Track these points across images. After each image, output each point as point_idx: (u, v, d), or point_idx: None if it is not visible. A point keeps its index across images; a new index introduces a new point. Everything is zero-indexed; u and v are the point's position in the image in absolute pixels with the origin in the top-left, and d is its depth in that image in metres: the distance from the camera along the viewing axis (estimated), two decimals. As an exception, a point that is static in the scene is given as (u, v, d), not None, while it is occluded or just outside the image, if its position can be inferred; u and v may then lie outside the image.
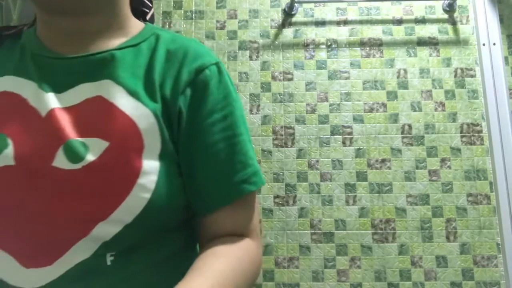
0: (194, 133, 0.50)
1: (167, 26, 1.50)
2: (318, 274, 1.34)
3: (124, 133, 0.45)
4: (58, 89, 0.48)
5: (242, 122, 0.53)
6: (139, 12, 0.62)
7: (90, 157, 0.43)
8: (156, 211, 0.46)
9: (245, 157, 0.51)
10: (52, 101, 0.47)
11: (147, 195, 0.45)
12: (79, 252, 0.44)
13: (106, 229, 0.44)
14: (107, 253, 0.45)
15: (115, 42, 0.53)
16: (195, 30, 1.50)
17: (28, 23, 0.59)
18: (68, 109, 0.47)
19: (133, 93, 0.48)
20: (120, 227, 0.44)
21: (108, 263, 0.45)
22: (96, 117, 0.46)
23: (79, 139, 0.44)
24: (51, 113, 0.46)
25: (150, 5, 0.64)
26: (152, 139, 0.47)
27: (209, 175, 0.50)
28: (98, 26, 0.52)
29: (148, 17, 0.63)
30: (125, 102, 0.47)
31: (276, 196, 1.39)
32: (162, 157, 0.47)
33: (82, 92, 0.48)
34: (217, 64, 0.53)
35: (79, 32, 0.52)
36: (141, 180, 0.44)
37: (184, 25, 1.51)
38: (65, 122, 0.45)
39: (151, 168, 0.45)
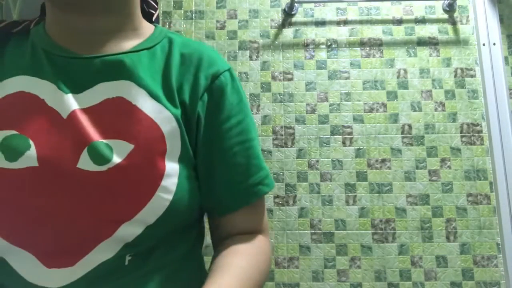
0: (211, 137, 0.52)
1: (167, 26, 1.50)
2: (318, 274, 1.34)
3: (149, 136, 0.46)
4: (76, 90, 0.48)
5: (254, 128, 0.56)
6: (146, 13, 0.63)
7: (116, 159, 0.44)
8: (176, 213, 0.47)
9: (258, 160, 0.55)
10: (72, 101, 0.47)
11: (170, 197, 0.46)
12: (102, 253, 0.44)
13: (130, 230, 0.44)
14: (127, 254, 0.45)
15: (129, 43, 0.53)
16: (195, 30, 1.50)
17: (33, 18, 0.57)
18: (88, 110, 0.47)
19: (155, 96, 0.49)
20: (143, 228, 0.45)
21: (126, 263, 0.45)
22: (119, 118, 0.46)
23: (104, 140, 0.45)
24: (72, 114, 0.46)
25: (156, 6, 0.64)
26: (174, 143, 0.48)
27: (226, 178, 0.52)
28: (112, 26, 0.52)
29: (154, 18, 0.63)
30: (147, 105, 0.48)
31: (276, 196, 1.39)
32: (181, 160, 0.48)
33: (101, 92, 0.48)
34: (229, 70, 0.55)
35: (92, 32, 0.52)
36: (164, 182, 0.45)
37: (184, 25, 1.51)
38: (88, 123, 0.46)
39: (172, 170, 0.47)
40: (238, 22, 1.51)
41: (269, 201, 1.38)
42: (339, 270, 1.34)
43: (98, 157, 0.43)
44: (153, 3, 0.64)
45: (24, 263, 0.44)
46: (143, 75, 0.49)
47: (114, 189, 0.43)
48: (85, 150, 0.44)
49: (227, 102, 0.53)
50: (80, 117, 0.46)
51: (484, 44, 1.45)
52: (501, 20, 1.48)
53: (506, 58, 1.45)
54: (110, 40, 0.52)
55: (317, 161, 1.41)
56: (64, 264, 0.43)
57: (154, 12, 0.63)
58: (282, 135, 1.43)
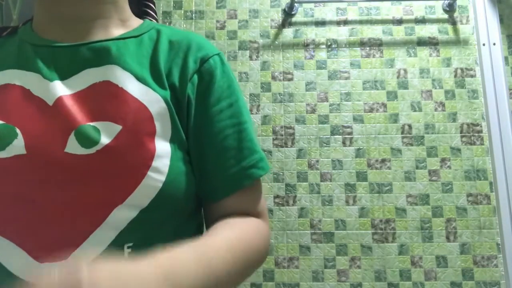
0: (202, 121, 0.51)
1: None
2: (318, 274, 1.34)
3: (136, 117, 0.46)
4: (62, 76, 0.48)
5: (246, 111, 0.55)
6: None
7: (104, 141, 0.43)
8: (170, 196, 0.46)
9: (251, 143, 0.53)
10: (58, 88, 0.47)
11: (162, 178, 0.45)
12: (96, 244, 0.43)
13: (123, 214, 0.43)
14: (125, 244, 0.44)
15: (115, 32, 0.54)
16: (195, 30, 1.50)
17: (22, 23, 0.59)
18: (76, 95, 0.47)
19: (141, 79, 0.49)
20: (136, 212, 0.44)
21: (126, 255, 0.44)
22: (106, 101, 0.46)
23: (91, 123, 0.44)
24: (58, 100, 0.46)
25: (155, 15, 0.66)
26: (163, 124, 0.47)
27: (218, 161, 0.51)
28: (97, 13, 0.53)
29: None
30: (134, 87, 0.48)
31: (276, 196, 1.39)
32: (173, 142, 0.48)
33: (88, 77, 0.48)
34: (219, 55, 0.55)
35: (78, 19, 0.52)
36: (155, 163, 0.45)
37: (184, 25, 1.51)
38: (74, 108, 0.45)
39: (164, 151, 0.46)
40: (238, 22, 1.51)
41: (269, 201, 1.38)
42: (339, 270, 1.34)
43: (86, 139, 0.43)
44: (152, 13, 0.65)
45: (14, 258, 0.42)
46: (129, 60, 0.50)
47: (104, 171, 0.43)
48: (72, 134, 0.43)
49: (217, 85, 0.52)
50: (67, 103, 0.46)
51: (484, 44, 1.45)
52: (501, 20, 1.48)
53: (506, 58, 1.45)
54: (96, 27, 0.53)
55: (317, 161, 1.41)
56: (56, 259, 0.42)
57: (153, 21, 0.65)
58: (282, 135, 1.43)
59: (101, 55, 0.50)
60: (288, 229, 1.37)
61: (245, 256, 0.46)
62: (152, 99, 0.48)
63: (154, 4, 0.66)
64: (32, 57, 0.50)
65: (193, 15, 1.51)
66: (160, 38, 0.54)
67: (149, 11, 0.65)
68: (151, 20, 0.62)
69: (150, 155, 0.45)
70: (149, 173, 0.44)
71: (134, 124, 0.45)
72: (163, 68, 0.51)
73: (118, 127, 0.45)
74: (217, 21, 1.51)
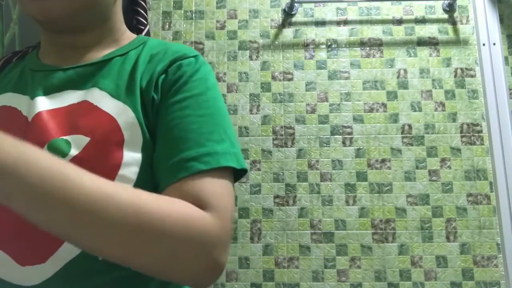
0: (159, 113, 0.51)
1: (167, 26, 1.50)
2: (318, 274, 1.34)
3: (105, 129, 0.48)
4: (46, 92, 0.52)
5: (211, 106, 0.51)
6: (135, 29, 0.67)
7: (73, 152, 0.46)
8: None
9: (200, 136, 0.48)
10: (39, 104, 0.50)
11: (130, 185, 0.46)
12: (70, 249, 0.44)
13: None
14: None
15: (107, 51, 0.57)
16: (195, 30, 1.50)
17: (33, 45, 0.65)
18: (54, 111, 0.50)
19: (115, 96, 0.51)
20: None
21: (100, 258, 0.45)
22: (80, 117, 0.49)
23: (64, 137, 0.47)
24: (36, 116, 0.49)
25: (146, 22, 0.68)
26: (132, 132, 0.49)
27: (162, 151, 0.49)
28: (93, 40, 0.58)
29: (143, 33, 0.67)
30: (108, 104, 0.50)
31: (276, 196, 1.39)
32: (144, 149, 0.49)
33: (68, 97, 0.52)
34: (195, 57, 0.54)
35: (75, 47, 0.57)
36: (122, 171, 0.46)
37: (184, 25, 1.51)
38: (50, 123, 0.48)
39: (132, 159, 0.47)
40: (238, 22, 1.51)
41: (269, 201, 1.38)
42: (339, 270, 1.34)
43: (57, 152, 0.45)
44: (142, 19, 0.67)
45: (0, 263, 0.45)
46: (108, 80, 0.52)
47: None
48: (45, 147, 0.46)
49: (180, 80, 0.52)
50: (45, 118, 0.49)
51: (484, 44, 1.45)
52: (501, 20, 1.48)
53: (506, 58, 1.45)
54: (90, 52, 0.57)
55: (317, 161, 1.41)
56: (36, 261, 0.44)
57: (143, 28, 0.67)
58: (282, 135, 1.43)
59: (86, 78, 0.53)
60: (288, 229, 1.37)
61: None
62: (120, 111, 0.49)
63: (145, 10, 0.68)
64: (28, 82, 0.55)
65: (193, 15, 1.51)
66: (142, 52, 0.56)
67: (140, 18, 0.67)
68: (142, 28, 0.66)
69: (116, 164, 0.46)
70: (116, 181, 0.45)
71: (102, 135, 0.47)
72: (138, 78, 0.52)
73: (86, 139, 0.47)
74: (217, 21, 1.51)
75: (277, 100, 1.45)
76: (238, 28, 1.50)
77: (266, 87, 1.46)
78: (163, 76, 0.52)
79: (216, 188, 0.46)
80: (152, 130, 0.51)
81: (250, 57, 1.48)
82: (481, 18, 1.47)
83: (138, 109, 0.50)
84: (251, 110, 1.44)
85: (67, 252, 0.45)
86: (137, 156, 0.48)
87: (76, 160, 0.45)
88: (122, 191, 0.40)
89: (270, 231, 1.36)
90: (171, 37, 1.50)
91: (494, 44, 1.44)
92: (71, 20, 0.54)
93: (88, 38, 0.57)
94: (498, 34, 1.45)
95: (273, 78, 1.46)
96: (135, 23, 0.67)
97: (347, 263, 1.34)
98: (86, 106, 0.50)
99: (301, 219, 1.37)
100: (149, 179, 0.49)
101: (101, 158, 0.46)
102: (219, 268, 0.43)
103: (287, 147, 1.42)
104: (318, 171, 1.40)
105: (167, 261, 0.41)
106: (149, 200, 0.41)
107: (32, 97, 0.51)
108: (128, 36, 0.61)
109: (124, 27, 0.61)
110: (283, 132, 1.43)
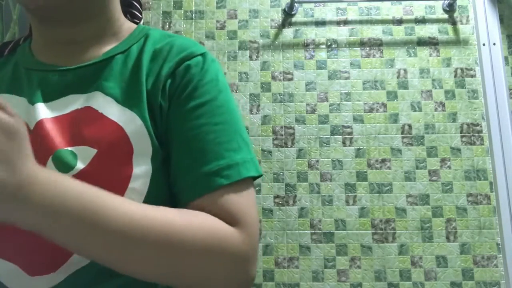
0: (171, 121, 0.49)
1: (167, 26, 1.50)
2: (318, 274, 1.34)
3: (112, 139, 0.45)
4: (46, 99, 0.49)
5: (223, 111, 0.49)
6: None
7: (79, 166, 0.44)
8: None
9: (219, 147, 0.47)
10: (40, 111, 0.47)
11: (140, 198, 0.45)
12: (80, 259, 0.44)
13: None
14: None
15: (107, 48, 0.53)
16: (195, 30, 1.50)
17: (24, 36, 0.60)
18: (57, 118, 0.47)
19: (121, 101, 0.48)
20: None
21: (107, 268, 0.44)
22: (84, 126, 0.46)
23: (69, 148, 0.45)
24: (39, 124, 0.46)
25: (140, 16, 0.65)
26: (141, 142, 0.46)
27: (180, 165, 0.48)
28: (91, 33, 0.53)
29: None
30: (113, 110, 0.47)
31: (276, 196, 1.39)
32: (154, 159, 0.47)
33: (70, 102, 0.49)
34: (203, 55, 0.52)
35: (72, 41, 0.53)
36: (133, 184, 0.44)
37: (184, 25, 1.51)
38: (53, 132, 0.46)
39: (142, 171, 0.45)
40: (238, 22, 1.51)
41: (269, 201, 1.38)
42: (339, 270, 1.34)
43: (62, 165, 0.43)
44: (137, 13, 0.64)
45: (9, 274, 0.44)
46: (112, 83, 0.49)
47: None
48: (50, 158, 0.44)
49: (191, 83, 0.49)
50: (47, 126, 0.46)
51: (484, 44, 1.45)
52: (501, 20, 1.48)
53: (506, 58, 1.45)
54: (89, 47, 0.53)
55: (317, 161, 1.41)
56: (47, 271, 0.44)
57: (138, 21, 0.63)
58: (282, 135, 1.43)
59: (86, 82, 0.50)
60: (288, 229, 1.37)
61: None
62: (128, 119, 0.47)
63: (139, 3, 0.65)
64: (23, 82, 0.51)
65: (193, 15, 1.51)
66: (145, 47, 0.52)
67: (134, 11, 0.64)
68: (138, 22, 0.62)
69: (126, 177, 0.44)
70: (126, 195, 0.44)
71: (109, 147, 0.45)
72: (144, 81, 0.49)
73: (93, 151, 0.44)
74: (217, 21, 1.51)
75: (277, 100, 1.45)
76: (238, 28, 1.50)
77: (266, 87, 1.46)
78: (170, 80, 0.49)
79: (240, 201, 0.46)
80: (161, 138, 0.48)
81: (250, 57, 1.48)
82: (481, 18, 1.47)
83: (145, 117, 0.47)
84: (251, 110, 1.44)
85: (78, 260, 0.44)
86: (147, 167, 0.46)
87: (83, 175, 0.43)
88: (152, 213, 0.40)
89: (270, 231, 1.36)
90: (171, 37, 1.50)
91: (494, 44, 1.44)
92: (64, 8, 0.50)
93: (84, 31, 0.53)
94: (498, 34, 1.45)
95: (273, 78, 1.46)
96: (129, 16, 0.63)
97: (347, 263, 1.34)
98: (90, 113, 0.47)
99: (301, 219, 1.37)
100: (160, 190, 0.47)
101: (110, 172, 0.44)
102: (251, 282, 0.45)
103: (287, 147, 1.42)
104: (318, 171, 1.40)
105: (202, 280, 0.42)
106: (179, 221, 0.42)
107: (30, 100, 0.48)
108: (128, 27, 0.57)
109: (122, 17, 0.58)
110: (283, 132, 1.43)
